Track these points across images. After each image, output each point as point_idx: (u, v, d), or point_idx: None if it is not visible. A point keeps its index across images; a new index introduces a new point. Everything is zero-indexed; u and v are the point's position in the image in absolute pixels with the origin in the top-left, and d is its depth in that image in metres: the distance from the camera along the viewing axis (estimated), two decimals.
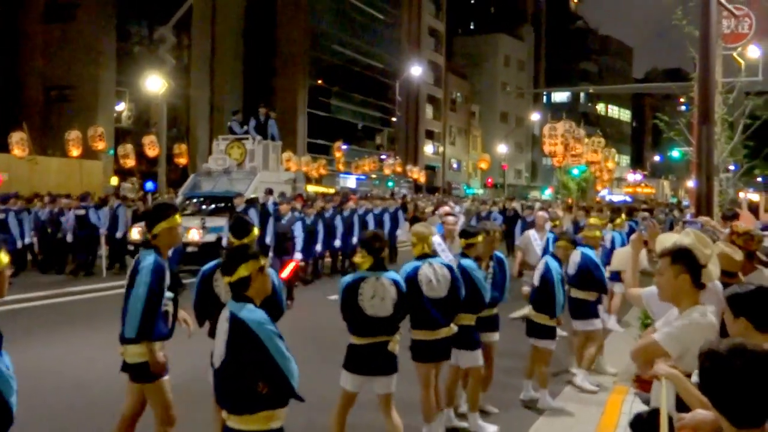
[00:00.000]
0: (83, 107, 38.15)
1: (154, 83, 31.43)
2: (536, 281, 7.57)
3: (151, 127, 40.00)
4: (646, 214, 21.50)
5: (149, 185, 24.05)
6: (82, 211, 17.48)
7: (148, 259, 4.99)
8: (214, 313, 5.02)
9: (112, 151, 27.85)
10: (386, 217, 20.15)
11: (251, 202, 16.79)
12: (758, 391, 2.37)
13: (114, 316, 5.26)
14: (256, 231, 5.55)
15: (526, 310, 8.81)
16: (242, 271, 3.82)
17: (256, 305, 3.81)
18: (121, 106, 41.82)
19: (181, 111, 44.77)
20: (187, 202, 19.89)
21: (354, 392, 5.51)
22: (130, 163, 26.07)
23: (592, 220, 9.85)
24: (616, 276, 11.61)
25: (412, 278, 5.86)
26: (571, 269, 8.31)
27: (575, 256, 8.37)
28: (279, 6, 53.58)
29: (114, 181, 28.79)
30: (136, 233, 16.82)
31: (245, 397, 3.72)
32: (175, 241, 5.20)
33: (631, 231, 16.02)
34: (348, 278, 5.50)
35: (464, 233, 6.60)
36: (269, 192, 17.67)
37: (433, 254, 6.17)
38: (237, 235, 5.39)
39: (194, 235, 16.86)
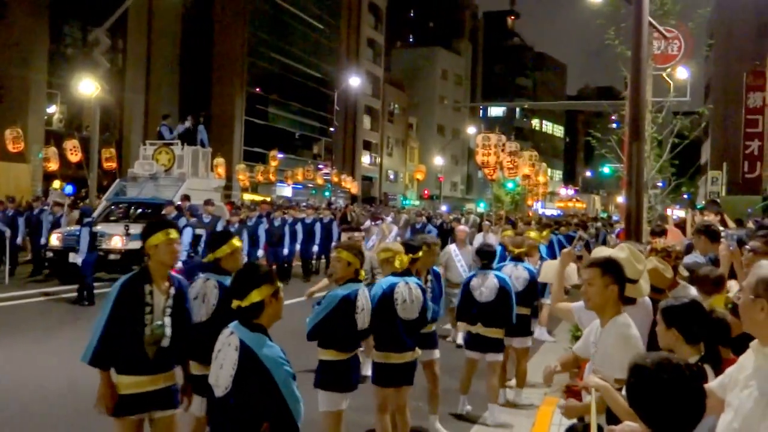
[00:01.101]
0: (12, 108, 36.98)
1: (87, 86, 30.73)
2: (489, 296, 7.40)
3: (83, 131, 39.03)
4: (580, 232, 21.87)
5: (68, 189, 23.25)
6: None
7: (118, 280, 4.57)
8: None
9: (41, 155, 27.08)
10: (318, 228, 19.84)
11: (181, 210, 16.43)
12: (682, 404, 2.42)
13: (26, 326, 5.00)
14: (236, 241, 5.17)
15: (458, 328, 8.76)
16: (255, 296, 3.47)
17: (267, 333, 3.50)
18: (53, 109, 40.72)
19: (115, 115, 43.82)
20: (112, 207, 19.43)
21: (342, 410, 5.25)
22: (53, 167, 25.20)
23: (533, 235, 9.87)
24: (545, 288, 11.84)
25: (388, 296, 5.63)
26: (520, 285, 8.17)
27: (522, 272, 8.28)
28: (216, 12, 52.98)
29: (56, 184, 27.71)
30: (55, 240, 16.37)
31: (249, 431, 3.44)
32: (168, 259, 4.52)
33: (560, 244, 16.32)
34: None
35: (408, 247, 6.25)
36: (186, 198, 17.29)
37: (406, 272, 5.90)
38: (213, 247, 5.07)
39: (117, 242, 16.48)
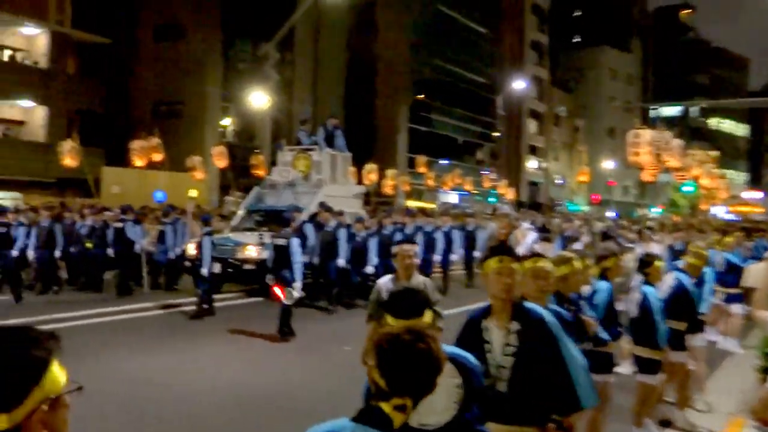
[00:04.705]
0: (190, 122, 39.57)
1: (258, 98, 32.35)
2: (634, 311, 7.04)
3: (255, 141, 41.08)
4: None
5: (159, 195, 23.25)
6: (119, 224, 16.64)
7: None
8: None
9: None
10: (456, 236, 18.67)
11: (312, 218, 16.15)
12: None
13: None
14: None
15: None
16: (427, 318, 3.25)
17: None
18: (227, 122, 43.09)
19: (284, 126, 45.72)
20: (251, 216, 19.31)
21: None
22: (199, 175, 26.07)
23: (697, 246, 9.24)
24: (738, 297, 11.11)
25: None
26: (663, 294, 7.56)
27: (669, 280, 7.71)
28: (380, 23, 54.17)
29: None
30: (192, 249, 15.67)
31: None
32: (495, 290, 3.93)
33: (757, 252, 15.12)
34: None
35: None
36: (323, 206, 16.57)
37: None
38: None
39: (251, 251, 16.21)
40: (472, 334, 3.97)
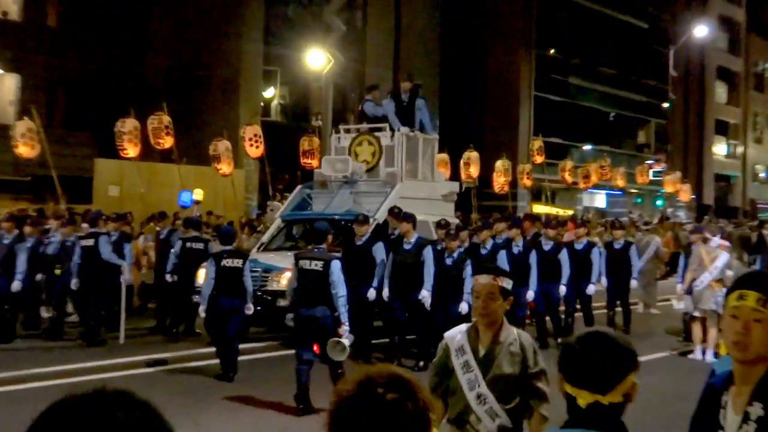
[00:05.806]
0: (220, 94, 39.98)
1: (317, 59, 32.52)
2: None
3: (313, 119, 41.32)
4: None
5: (186, 197, 23.71)
6: (89, 241, 16.59)
7: None
8: None
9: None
10: (596, 257, 18.25)
11: (379, 231, 16.11)
12: None
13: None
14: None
15: None
16: (627, 385, 3.03)
17: None
18: (271, 92, 43.37)
19: (352, 96, 45.80)
20: (291, 228, 19.37)
21: None
22: (225, 169, 25.15)
23: None
24: None
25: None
26: None
27: None
28: None
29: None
30: (202, 276, 15.22)
31: None
32: (728, 343, 3.65)
33: None
34: None
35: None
36: (394, 213, 16.25)
37: None
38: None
39: (289, 279, 16.00)
40: (708, 411, 3.66)
